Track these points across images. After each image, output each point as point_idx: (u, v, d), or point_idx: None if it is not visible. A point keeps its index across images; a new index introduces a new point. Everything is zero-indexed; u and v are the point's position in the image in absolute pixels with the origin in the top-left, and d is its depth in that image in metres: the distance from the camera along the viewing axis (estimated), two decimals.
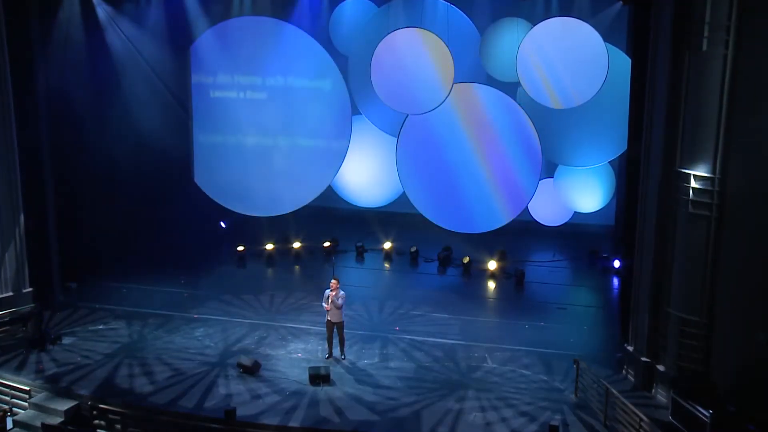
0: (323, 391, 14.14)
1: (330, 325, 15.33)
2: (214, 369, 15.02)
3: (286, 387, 14.32)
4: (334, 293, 15.16)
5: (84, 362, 15.19)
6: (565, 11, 19.32)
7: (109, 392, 14.08)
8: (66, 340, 16.02)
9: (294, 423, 13.07)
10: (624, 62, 17.72)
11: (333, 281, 15.27)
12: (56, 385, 14.26)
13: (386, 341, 16.35)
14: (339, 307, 15.17)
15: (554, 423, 12.73)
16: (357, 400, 13.84)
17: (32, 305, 17.08)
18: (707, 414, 11.82)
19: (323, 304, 15.27)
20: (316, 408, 13.56)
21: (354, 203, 23.10)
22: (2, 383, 14.40)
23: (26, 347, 15.41)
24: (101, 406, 13.60)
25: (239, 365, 14.93)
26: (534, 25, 18.57)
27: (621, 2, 18.53)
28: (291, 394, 14.04)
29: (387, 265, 21.69)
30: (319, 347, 15.91)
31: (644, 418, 12.25)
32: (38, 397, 13.94)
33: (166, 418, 13.28)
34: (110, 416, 13.47)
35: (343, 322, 15.35)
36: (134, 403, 13.69)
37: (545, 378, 14.79)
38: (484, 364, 15.35)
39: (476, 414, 13.40)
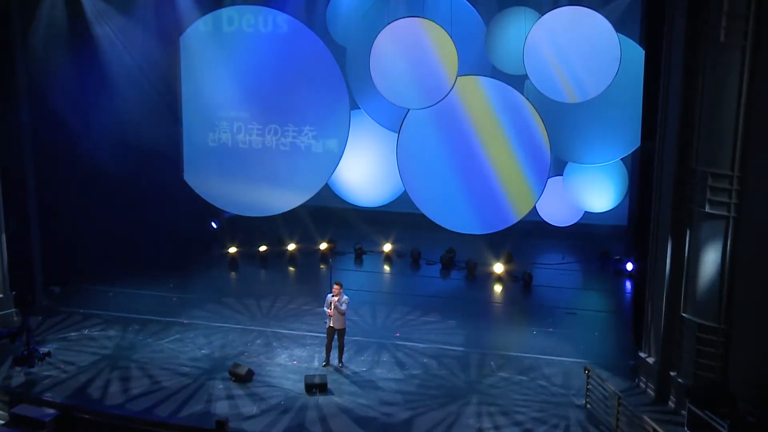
0: (317, 400, 14.12)
1: (331, 331, 15.31)
2: (204, 377, 14.99)
3: (278, 396, 14.30)
4: (336, 298, 15.15)
5: (67, 370, 15.16)
6: (575, 0, 19.28)
7: (93, 401, 14.06)
8: (48, 347, 15.96)
9: None
10: (637, 54, 17.70)
11: (335, 286, 15.25)
12: (37, 395, 14.22)
13: (387, 348, 16.34)
14: (342, 313, 15.16)
15: None
16: (347, 410, 13.83)
17: (14, 310, 17.03)
18: (724, 425, 11.79)
19: (325, 309, 15.26)
20: (303, 418, 13.54)
21: (352, 202, 23.06)
22: None
23: (13, 364, 15.29)
24: (85, 416, 13.57)
25: (231, 373, 14.91)
26: (542, 15, 18.53)
27: None
28: (283, 404, 14.03)
29: (387, 268, 21.70)
30: (316, 354, 15.89)
31: (659, 429, 12.23)
32: (19, 408, 13.90)
33: (154, 429, 13.25)
34: (94, 427, 13.44)
35: (344, 328, 15.35)
36: (119, 413, 13.66)
37: (553, 386, 14.77)
38: (489, 372, 15.33)
39: (483, 427, 13.39)
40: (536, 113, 19.11)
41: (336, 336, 15.32)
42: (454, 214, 20.15)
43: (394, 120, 20.47)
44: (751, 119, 12.38)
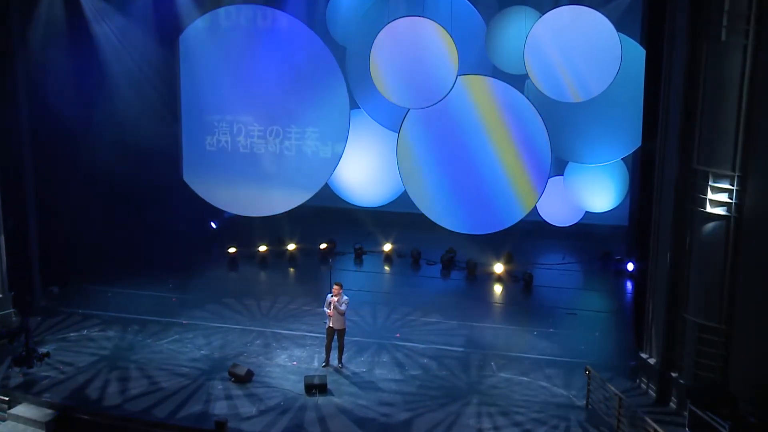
0: (317, 401, 14.12)
1: (330, 331, 15.31)
2: (204, 378, 14.98)
3: (278, 396, 14.29)
4: (336, 298, 15.14)
5: (65, 371, 15.15)
6: None
7: (92, 402, 14.06)
8: (46, 348, 15.95)
9: None
10: (638, 53, 17.68)
11: (335, 286, 15.24)
12: (36, 396, 14.21)
13: (387, 349, 16.33)
14: (342, 313, 15.15)
15: None
16: (347, 411, 13.84)
17: (13, 310, 17.03)
18: (726, 426, 11.78)
19: (325, 309, 15.26)
20: (302, 419, 13.55)
21: (352, 202, 23.05)
22: None
23: (12, 365, 15.26)
24: (84, 417, 13.57)
25: (231, 374, 14.91)
26: (543, 14, 18.52)
27: None
28: (282, 404, 14.03)
29: (387, 268, 21.69)
30: (316, 355, 15.89)
31: (660, 431, 12.22)
32: (17, 408, 13.92)
33: (153, 429, 13.25)
34: (93, 428, 13.44)
35: (344, 329, 15.34)
36: (119, 414, 13.65)
37: (554, 387, 14.76)
38: (490, 373, 15.32)
39: (483, 427, 13.39)
40: (537, 113, 19.10)
41: (336, 336, 15.32)
42: (454, 214, 20.15)
43: (394, 119, 20.47)
44: (752, 119, 12.37)
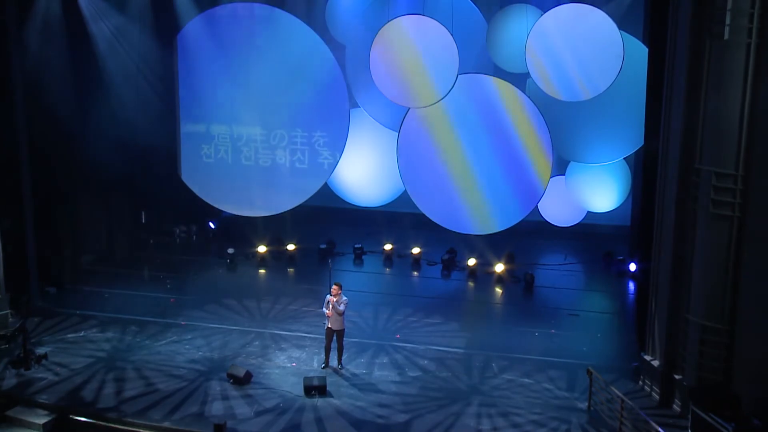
0: (316, 402, 14.11)
1: (330, 332, 15.30)
2: (202, 379, 14.97)
3: (277, 398, 14.28)
4: (335, 299, 15.14)
5: (60, 373, 15.13)
6: None
7: (90, 404, 14.04)
8: (44, 349, 15.94)
9: None
10: (641, 52, 17.66)
11: (334, 287, 15.23)
12: (32, 397, 14.21)
13: (387, 350, 16.32)
14: (341, 314, 15.14)
15: None
16: (346, 413, 13.82)
17: (9, 311, 17.03)
18: (729, 428, 11.77)
19: (324, 309, 15.25)
20: (300, 420, 13.54)
21: (352, 202, 23.04)
22: None
23: (10, 366, 15.24)
24: (80, 419, 13.57)
25: (229, 375, 14.90)
26: (544, 12, 18.50)
27: None
28: (281, 405, 14.02)
29: (387, 269, 21.68)
30: (315, 356, 15.88)
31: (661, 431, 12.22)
32: (14, 410, 13.90)
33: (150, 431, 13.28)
34: (90, 430, 13.44)
35: (343, 329, 15.33)
36: (117, 417, 13.65)
37: (556, 389, 14.74)
38: (490, 374, 15.31)
39: (482, 429, 13.39)
40: (538, 112, 19.08)
41: (335, 337, 15.31)
42: (454, 214, 20.13)
43: (394, 119, 20.46)
44: (756, 118, 12.35)
